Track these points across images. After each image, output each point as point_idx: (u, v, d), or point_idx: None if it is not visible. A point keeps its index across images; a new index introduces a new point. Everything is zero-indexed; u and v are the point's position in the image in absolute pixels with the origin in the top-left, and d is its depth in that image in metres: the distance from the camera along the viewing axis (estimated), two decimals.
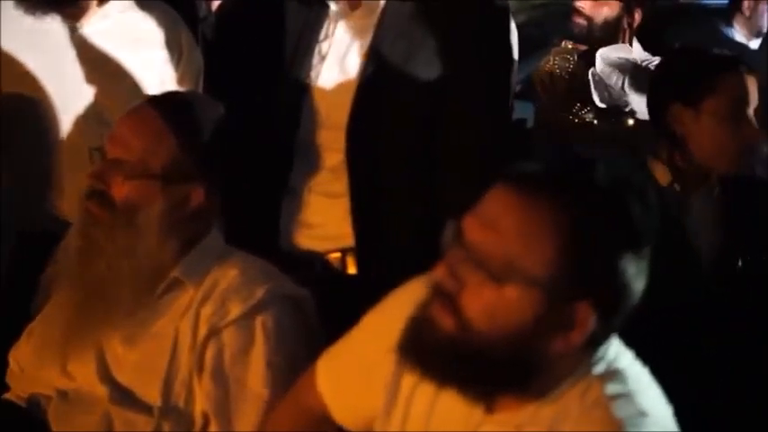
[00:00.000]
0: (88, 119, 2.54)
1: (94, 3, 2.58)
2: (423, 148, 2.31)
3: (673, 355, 2.18)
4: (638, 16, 4.21)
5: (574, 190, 1.48)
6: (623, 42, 4.19)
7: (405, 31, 2.30)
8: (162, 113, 2.05)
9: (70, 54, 2.55)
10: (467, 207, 1.52)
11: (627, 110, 4.07)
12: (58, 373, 2.09)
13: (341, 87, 2.33)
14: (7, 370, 2.18)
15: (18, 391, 2.14)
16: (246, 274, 2.06)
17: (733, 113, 2.49)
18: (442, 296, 1.51)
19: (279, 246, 2.38)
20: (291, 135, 2.36)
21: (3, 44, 2.51)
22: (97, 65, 2.56)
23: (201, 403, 2.00)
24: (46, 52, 2.54)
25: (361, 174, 2.31)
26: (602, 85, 4.10)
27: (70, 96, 2.54)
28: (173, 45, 2.64)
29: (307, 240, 2.38)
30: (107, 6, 2.60)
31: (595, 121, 4.13)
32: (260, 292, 2.02)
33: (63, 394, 2.08)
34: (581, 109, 4.17)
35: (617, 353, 1.58)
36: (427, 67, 2.29)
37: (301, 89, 2.36)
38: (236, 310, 2.01)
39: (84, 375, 2.07)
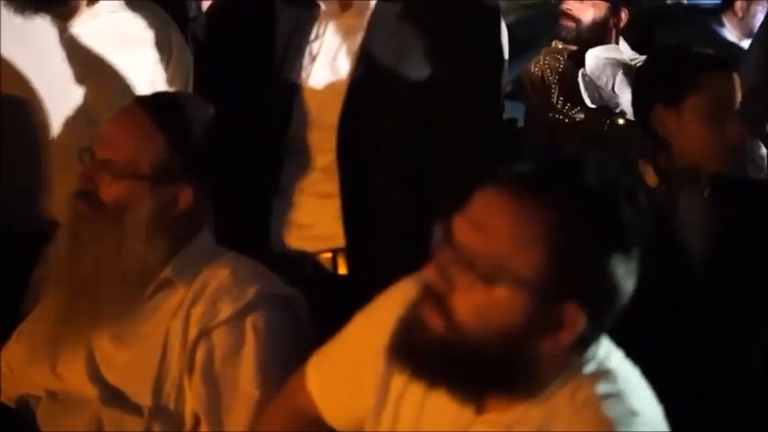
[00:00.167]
0: (78, 119, 2.53)
1: (84, 3, 2.58)
2: (413, 148, 2.31)
3: (663, 354, 2.19)
4: (624, 16, 4.23)
5: (563, 191, 1.48)
6: (610, 43, 4.20)
7: (395, 31, 2.30)
8: (150, 114, 2.05)
9: (60, 54, 2.55)
10: (457, 207, 1.53)
11: (617, 110, 4.08)
12: (47, 374, 2.08)
13: (332, 87, 2.33)
14: None
15: (7, 391, 2.14)
16: (237, 275, 2.06)
17: (715, 112, 2.48)
18: (432, 297, 1.51)
19: (269, 246, 2.37)
20: (282, 135, 2.36)
21: None
22: (87, 65, 2.56)
23: (192, 404, 2.00)
24: (35, 52, 2.54)
25: (351, 174, 2.31)
26: (592, 85, 4.11)
27: (60, 96, 2.54)
28: (162, 45, 2.64)
29: (297, 241, 2.38)
30: (97, 6, 2.59)
31: (585, 122, 4.14)
32: (251, 293, 2.02)
33: (53, 395, 2.08)
34: (571, 109, 4.18)
35: (607, 353, 1.58)
36: (418, 68, 2.29)
37: (292, 89, 2.35)
38: (226, 310, 2.01)
39: (73, 376, 2.06)
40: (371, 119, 2.30)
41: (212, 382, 1.99)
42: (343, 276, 2.35)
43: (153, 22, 2.65)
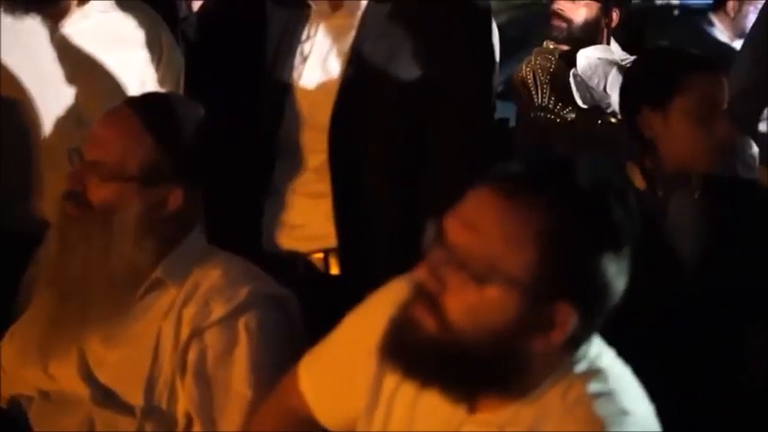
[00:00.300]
0: (68, 119, 2.53)
1: (75, 3, 2.57)
2: (405, 148, 2.31)
3: (655, 354, 2.19)
4: (615, 16, 4.23)
5: (555, 191, 1.49)
6: (602, 43, 4.21)
7: (387, 31, 2.30)
8: (139, 115, 2.04)
9: (51, 54, 2.55)
10: (449, 207, 1.53)
11: (608, 110, 4.09)
12: (39, 374, 2.08)
13: (323, 88, 2.33)
14: None
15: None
16: (229, 275, 2.06)
17: (703, 112, 2.47)
18: (424, 297, 1.51)
19: (261, 246, 2.37)
20: (274, 136, 2.36)
21: None
22: (78, 65, 2.56)
23: (184, 404, 1.99)
24: (26, 53, 2.53)
25: (343, 174, 2.31)
26: (583, 85, 4.11)
27: (50, 97, 2.53)
28: (153, 45, 2.64)
29: (289, 241, 2.38)
30: (87, 7, 2.59)
31: (577, 122, 4.15)
32: (243, 293, 2.02)
33: (45, 395, 2.08)
34: (562, 109, 4.18)
35: (598, 352, 1.58)
36: (409, 68, 2.29)
37: (284, 90, 2.35)
38: (219, 310, 2.01)
39: (65, 376, 2.06)
40: (363, 119, 2.30)
41: (205, 383, 1.99)
42: (335, 276, 2.36)
43: (143, 22, 2.65)
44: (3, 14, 2.53)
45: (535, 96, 4.25)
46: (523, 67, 4.31)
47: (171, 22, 2.78)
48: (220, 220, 2.30)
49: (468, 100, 2.33)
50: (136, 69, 2.61)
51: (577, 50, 4.16)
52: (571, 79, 4.12)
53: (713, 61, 2.60)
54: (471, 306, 1.48)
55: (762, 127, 3.59)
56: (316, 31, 2.35)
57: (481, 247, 1.47)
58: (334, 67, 2.33)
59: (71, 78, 2.55)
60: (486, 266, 1.47)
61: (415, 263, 1.54)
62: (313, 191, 2.34)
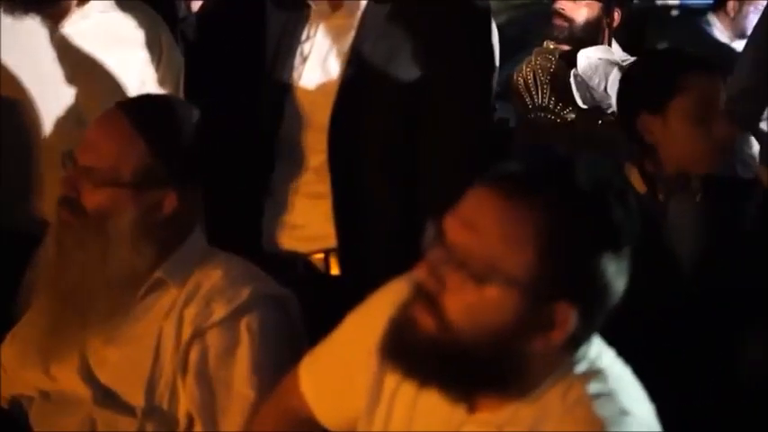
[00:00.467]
0: (68, 119, 2.53)
1: (74, 3, 2.58)
2: (404, 148, 2.31)
3: (655, 355, 2.19)
4: (617, 16, 4.23)
5: (554, 191, 1.49)
6: (603, 43, 4.21)
7: (386, 31, 2.30)
8: (131, 119, 2.03)
9: (50, 54, 2.55)
10: (448, 207, 1.53)
11: (609, 111, 4.09)
12: (40, 375, 2.08)
13: (323, 88, 2.33)
14: None
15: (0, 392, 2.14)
16: (230, 276, 2.06)
17: (702, 113, 2.47)
18: (424, 297, 1.51)
19: (262, 246, 2.37)
20: (274, 136, 2.36)
21: None
22: (77, 65, 2.56)
23: (186, 404, 1.99)
24: (26, 53, 2.53)
25: (343, 174, 2.31)
26: (584, 85, 4.11)
27: (50, 97, 2.53)
28: (153, 45, 2.64)
29: (290, 241, 2.38)
30: (87, 7, 2.59)
31: (577, 122, 4.15)
32: (244, 294, 2.02)
33: (45, 395, 2.08)
34: (563, 109, 4.18)
35: (598, 352, 1.58)
36: (409, 68, 2.29)
37: (284, 90, 2.35)
38: (220, 311, 2.01)
39: (66, 376, 2.06)
40: (362, 119, 2.30)
41: (206, 383, 1.99)
42: (335, 277, 2.36)
43: (143, 22, 2.65)
44: (3, 14, 2.53)
45: (535, 96, 4.25)
46: (524, 67, 4.31)
47: (171, 22, 2.78)
48: (220, 221, 2.30)
49: (468, 100, 2.33)
50: (136, 69, 2.61)
51: (578, 50, 4.16)
52: (571, 79, 4.12)
53: (709, 61, 2.60)
54: (471, 306, 1.48)
55: (763, 127, 3.59)
56: (315, 32, 2.35)
57: (481, 246, 1.47)
58: (334, 68, 2.33)
59: (71, 78, 2.55)
60: (485, 266, 1.47)
61: (415, 263, 1.54)
62: (313, 191, 2.34)
